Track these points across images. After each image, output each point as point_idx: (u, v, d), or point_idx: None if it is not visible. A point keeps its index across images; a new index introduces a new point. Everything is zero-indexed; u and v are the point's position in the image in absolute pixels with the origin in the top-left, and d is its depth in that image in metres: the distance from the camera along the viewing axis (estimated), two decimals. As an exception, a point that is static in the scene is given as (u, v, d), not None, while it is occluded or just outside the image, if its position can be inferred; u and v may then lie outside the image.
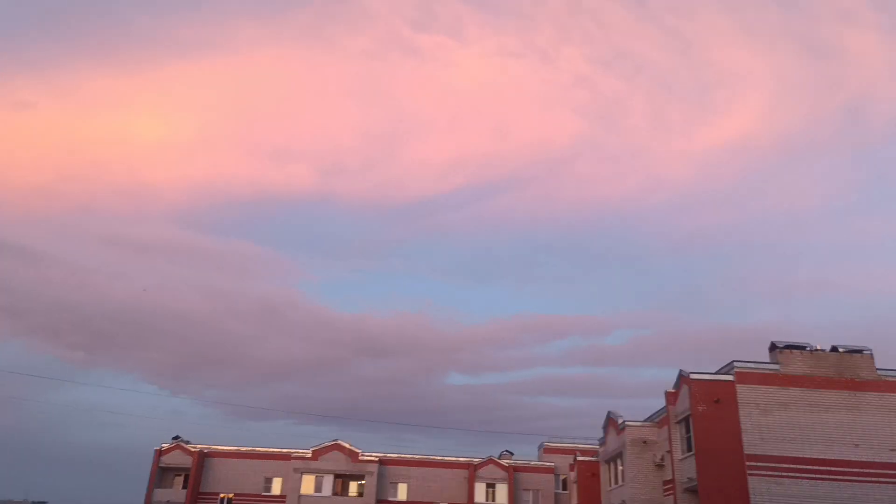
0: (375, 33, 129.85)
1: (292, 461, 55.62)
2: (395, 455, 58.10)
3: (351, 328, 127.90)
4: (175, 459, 56.60)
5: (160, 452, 56.65)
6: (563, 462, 55.03)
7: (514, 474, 56.93)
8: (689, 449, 30.52)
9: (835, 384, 30.11)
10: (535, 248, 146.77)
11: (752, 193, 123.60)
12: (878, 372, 30.36)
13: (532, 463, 58.89)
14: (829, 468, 28.70)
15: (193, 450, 56.67)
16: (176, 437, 57.76)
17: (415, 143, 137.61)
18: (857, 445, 29.13)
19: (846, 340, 31.42)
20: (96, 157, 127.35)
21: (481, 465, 57.30)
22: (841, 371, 30.34)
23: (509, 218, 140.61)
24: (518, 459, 58.97)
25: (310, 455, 55.87)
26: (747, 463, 28.58)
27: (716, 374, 30.93)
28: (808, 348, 30.90)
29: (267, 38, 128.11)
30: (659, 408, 35.24)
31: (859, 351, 30.83)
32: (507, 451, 59.92)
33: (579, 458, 45.48)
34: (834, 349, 30.95)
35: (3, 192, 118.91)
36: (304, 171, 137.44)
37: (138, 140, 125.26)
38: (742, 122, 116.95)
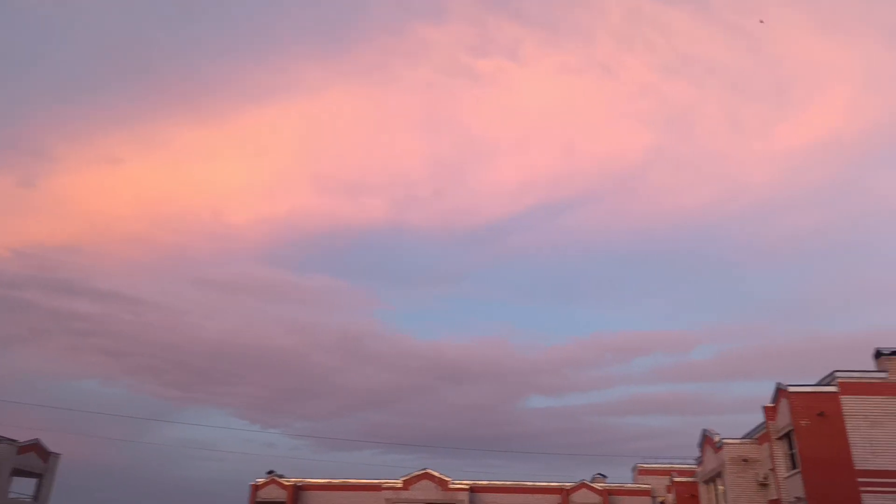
0: (435, 63, 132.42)
1: (383, 491, 56.20)
2: (486, 482, 57.77)
3: (431, 355, 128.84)
4: (271, 494, 58.22)
5: (256, 487, 58.43)
6: (658, 484, 53.31)
7: (608, 497, 55.52)
8: (794, 466, 29.14)
9: (950, 390, 28.19)
10: (610, 264, 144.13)
11: (841, 192, 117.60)
12: None
13: (626, 486, 57.29)
14: (952, 481, 26.77)
15: (288, 483, 58.18)
16: (270, 472, 59.47)
17: (483, 167, 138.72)
18: (982, 456, 27.08)
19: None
20: (184, 204, 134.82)
21: (574, 489, 56.20)
22: (956, 376, 28.40)
23: (582, 235, 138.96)
24: (612, 483, 57.50)
25: (400, 485, 56.33)
26: (859, 479, 27.04)
27: (816, 385, 29.53)
28: (917, 353, 29.11)
29: (332, 78, 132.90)
30: (756, 424, 33.85)
31: (974, 353, 28.79)
32: (599, 474, 58.59)
33: (676, 479, 44.04)
34: (945, 353, 29.03)
35: (103, 243, 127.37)
36: (377, 202, 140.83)
37: (221, 185, 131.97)
38: (825, 118, 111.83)
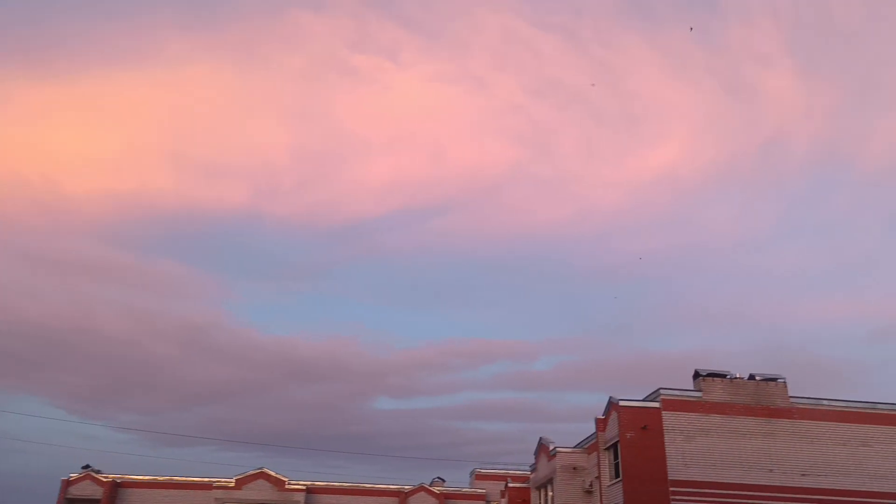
0: (311, 52, 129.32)
1: (213, 490, 53.41)
2: (324, 483, 56.70)
3: (279, 351, 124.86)
4: (84, 490, 53.33)
5: (67, 483, 53.26)
6: (494, 489, 55.10)
7: (444, 501, 56.54)
8: (617, 475, 31.22)
9: (752, 411, 31.56)
10: (468, 273, 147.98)
11: (676, 224, 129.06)
12: (791, 400, 32.04)
13: (463, 490, 58.67)
14: (745, 492, 29.93)
15: (105, 480, 53.62)
16: (86, 466, 54.51)
17: (351, 164, 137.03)
18: (771, 470, 30.54)
19: (761, 368, 33.07)
20: (12, 168, 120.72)
21: (412, 492, 56.65)
22: (758, 398, 31.84)
23: (444, 242, 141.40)
24: (450, 486, 58.66)
25: (233, 484, 53.82)
26: (671, 488, 29.47)
27: (643, 400, 31.88)
28: (728, 376, 32.31)
29: (199, 52, 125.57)
30: (588, 434, 35.96)
31: (774, 379, 32.47)
32: (438, 477, 59.54)
33: (510, 485, 45.71)
34: (751, 377, 32.49)
35: None
36: (237, 189, 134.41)
37: (61, 152, 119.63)
38: (667, 155, 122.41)
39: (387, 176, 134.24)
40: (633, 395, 32.17)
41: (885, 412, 32.36)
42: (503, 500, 47.29)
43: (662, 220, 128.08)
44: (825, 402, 32.30)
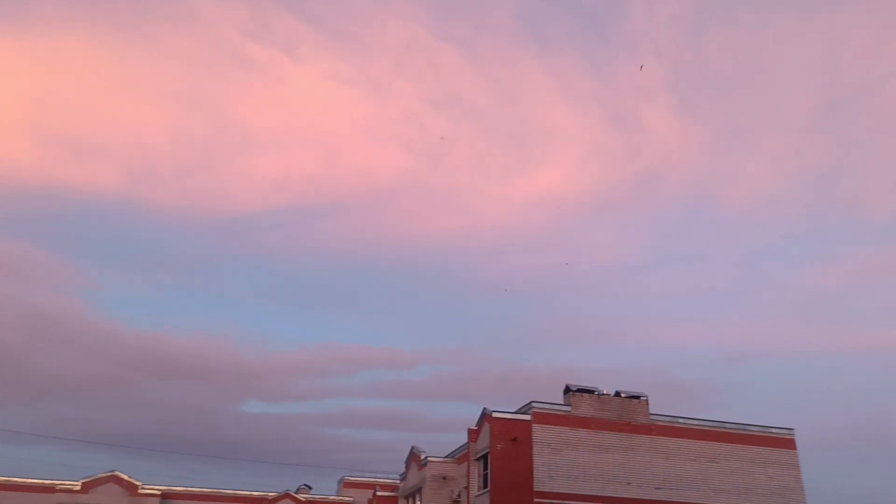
0: (203, 35, 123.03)
1: (57, 494, 49.06)
2: (181, 488, 53.60)
3: (143, 346, 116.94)
4: None
5: None
6: (362, 497, 54.33)
7: (309, 509, 55.08)
8: (486, 485, 31.61)
9: (615, 426, 33.05)
10: (351, 278, 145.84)
11: (557, 244, 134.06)
12: (652, 417, 33.87)
13: (330, 497, 57.47)
14: (605, 504, 31.25)
15: (-72, 480, 47.91)
16: None
17: (237, 155, 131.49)
18: (629, 483, 32.07)
19: (626, 386, 34.76)
20: None
21: (276, 499, 54.77)
22: (621, 415, 33.41)
23: (329, 244, 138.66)
24: (316, 494, 57.26)
25: (79, 487, 49.66)
26: (535, 500, 30.20)
27: (516, 413, 32.54)
28: (596, 392, 33.67)
29: (77, 22, 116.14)
30: (460, 444, 36.23)
31: (638, 397, 34.21)
32: (305, 485, 57.95)
33: (378, 493, 45.22)
34: (617, 394, 34.06)
35: None
36: (107, 170, 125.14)
37: None
38: (553, 177, 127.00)
39: (275, 171, 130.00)
40: (506, 407, 32.81)
41: (731, 431, 34.94)
42: (371, 508, 46.71)
43: (544, 239, 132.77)
44: (681, 420, 34.41)
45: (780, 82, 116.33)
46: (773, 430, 35.69)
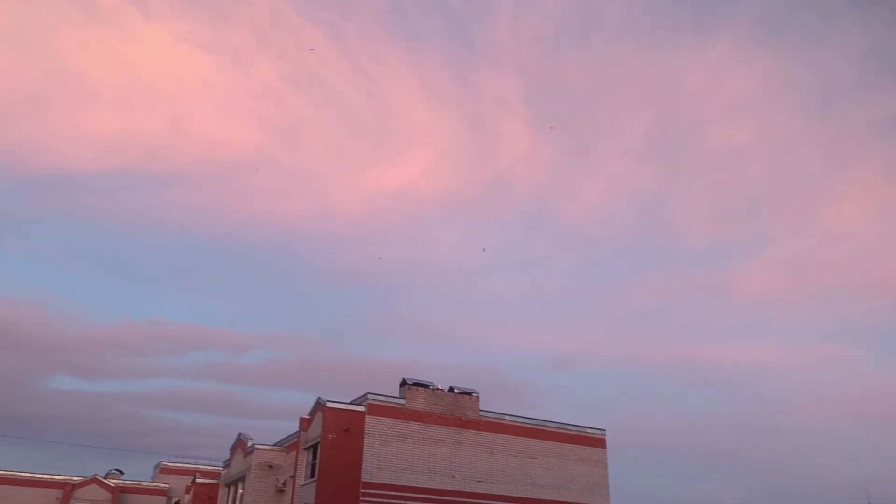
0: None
1: None
2: (-33, 470, 47.83)
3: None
4: None
5: None
6: (181, 483, 51.62)
7: (119, 495, 51.36)
8: (313, 475, 31.27)
9: (446, 421, 34.07)
10: (187, 253, 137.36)
11: (407, 240, 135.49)
12: (481, 413, 35.29)
13: (143, 483, 53.94)
14: (429, 496, 32.10)
15: None
16: None
17: (73, 108, 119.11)
18: (453, 476, 33.20)
19: (460, 383, 35.93)
20: None
21: (82, 484, 50.48)
22: (453, 409, 34.48)
23: (167, 215, 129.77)
24: (128, 479, 53.49)
25: None
26: (362, 490, 30.40)
27: (350, 403, 32.49)
28: (430, 387, 34.48)
29: None
30: (291, 432, 35.53)
31: (469, 393, 35.48)
32: (116, 469, 53.95)
33: (198, 480, 43.15)
34: (451, 390, 35.11)
35: None
36: None
37: None
38: (410, 173, 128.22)
39: (114, 131, 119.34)
40: (341, 397, 32.64)
41: (551, 430, 37.28)
42: (188, 496, 44.51)
43: (396, 234, 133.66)
44: (507, 417, 36.18)
45: (624, 109, 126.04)
46: (588, 431, 38.57)
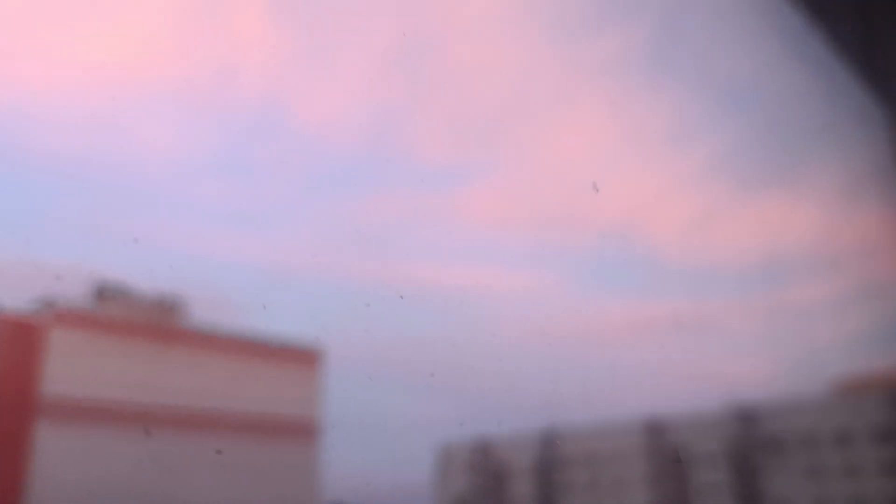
0: None
1: None
2: None
3: None
4: None
5: None
6: None
7: None
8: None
9: (147, 333, 31.45)
10: None
11: (107, 127, 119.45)
12: (189, 326, 33.17)
13: None
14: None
15: None
16: None
17: None
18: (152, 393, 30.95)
19: (168, 291, 32.83)
20: None
21: None
22: (156, 320, 31.84)
23: None
24: None
25: None
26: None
27: (29, 314, 28.05)
28: (129, 295, 31.19)
29: None
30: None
31: (176, 303, 32.92)
32: None
33: None
34: (154, 299, 32.21)
35: None
36: None
37: None
38: (122, 47, 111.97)
39: None
40: (17, 304, 27.88)
41: (261, 345, 36.53)
42: None
43: (97, 119, 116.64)
44: (218, 333, 34.56)
45: (371, 13, 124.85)
46: (300, 346, 38.74)
